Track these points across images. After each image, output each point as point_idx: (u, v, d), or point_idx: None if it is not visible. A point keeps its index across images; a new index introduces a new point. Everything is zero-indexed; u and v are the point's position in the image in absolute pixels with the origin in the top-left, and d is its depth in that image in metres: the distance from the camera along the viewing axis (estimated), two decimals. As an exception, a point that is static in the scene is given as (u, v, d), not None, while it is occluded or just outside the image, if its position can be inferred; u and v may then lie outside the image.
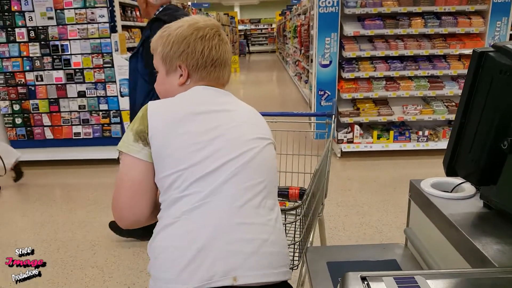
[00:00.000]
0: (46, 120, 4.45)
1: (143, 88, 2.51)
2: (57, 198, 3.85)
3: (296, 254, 1.36)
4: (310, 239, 1.57)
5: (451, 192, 1.30)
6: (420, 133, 4.48)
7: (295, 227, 1.38)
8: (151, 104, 1.05)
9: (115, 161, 4.43)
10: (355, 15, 4.39)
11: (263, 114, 2.05)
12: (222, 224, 0.95)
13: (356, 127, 4.53)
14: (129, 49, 4.71)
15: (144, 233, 2.82)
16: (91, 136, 4.48)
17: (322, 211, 1.87)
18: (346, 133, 4.56)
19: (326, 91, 4.55)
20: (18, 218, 3.35)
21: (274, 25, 23.62)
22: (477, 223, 1.12)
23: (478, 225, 1.11)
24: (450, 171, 1.18)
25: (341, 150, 4.52)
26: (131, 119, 2.61)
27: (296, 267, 1.35)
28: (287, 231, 1.45)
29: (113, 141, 4.48)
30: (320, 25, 4.34)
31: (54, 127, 4.47)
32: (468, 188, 1.29)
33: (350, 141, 4.55)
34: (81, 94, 4.38)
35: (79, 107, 4.42)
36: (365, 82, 4.47)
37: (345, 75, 4.39)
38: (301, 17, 8.30)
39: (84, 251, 2.80)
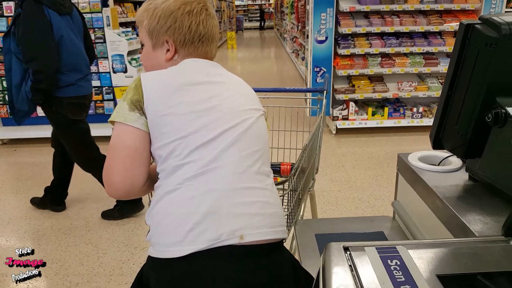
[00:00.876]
0: (38, 97, 4.40)
1: (18, 67, 2.51)
2: (50, 175, 3.82)
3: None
4: (301, 213, 1.59)
5: (438, 165, 1.31)
6: (415, 109, 4.47)
7: (282, 201, 1.39)
8: (144, 75, 1.04)
9: (109, 138, 4.40)
10: (351, -10, 4.32)
11: (256, 90, 2.06)
12: (225, 188, 0.97)
13: (351, 104, 4.52)
14: (121, 24, 4.64)
15: (132, 207, 2.86)
16: (84, 114, 4.45)
17: (313, 186, 1.88)
18: (341, 110, 4.55)
19: (322, 68, 4.51)
20: (11, 197, 3.35)
21: (271, 1, 23.20)
22: (462, 195, 1.13)
23: (462, 197, 1.12)
24: (437, 144, 1.18)
25: (336, 127, 4.52)
26: (10, 101, 2.60)
27: (284, 240, 1.37)
28: None
29: (106, 118, 4.42)
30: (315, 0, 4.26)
31: (46, 104, 4.43)
32: (455, 161, 1.29)
33: (345, 118, 4.54)
34: (73, 71, 4.32)
35: (72, 84, 4.37)
36: (361, 58, 4.43)
37: (341, 51, 4.35)
38: (298, -8, 8.14)
39: (78, 228, 2.82)
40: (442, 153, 1.34)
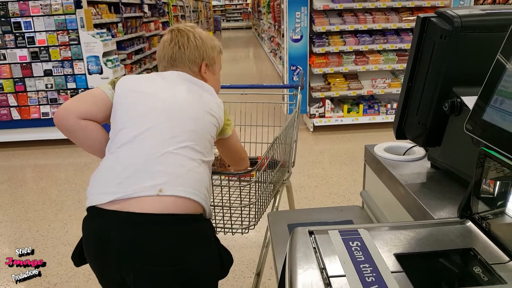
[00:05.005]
0: (12, 101, 4.33)
1: None
2: (27, 179, 3.79)
3: (252, 214, 1.45)
4: (277, 204, 1.64)
5: (403, 155, 1.37)
6: (389, 106, 4.58)
7: (249, 189, 1.44)
8: (126, 76, 1.32)
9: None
10: (325, -11, 4.39)
11: (235, 87, 2.11)
12: (155, 151, 1.12)
13: (327, 101, 4.60)
14: (96, 26, 4.60)
15: None
16: (60, 116, 4.39)
17: (289, 178, 1.93)
18: (318, 107, 4.62)
19: (298, 66, 4.57)
20: (-13, 200, 3.30)
21: (249, 1, 23.24)
22: (423, 182, 1.19)
23: (424, 184, 1.18)
24: (399, 134, 1.24)
25: (313, 125, 4.59)
26: None
27: (252, 227, 1.43)
28: (245, 194, 1.56)
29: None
30: (290, -2, 4.32)
31: (21, 107, 4.36)
32: (419, 151, 1.35)
33: (322, 116, 4.62)
34: (48, 73, 4.27)
35: (46, 86, 4.31)
36: (335, 56, 4.51)
37: (316, 49, 4.42)
38: (274, -8, 8.20)
39: (56, 229, 2.80)
40: (407, 144, 1.41)
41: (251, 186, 1.39)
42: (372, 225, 1.03)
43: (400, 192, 1.19)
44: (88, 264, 2.40)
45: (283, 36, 5.18)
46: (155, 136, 1.14)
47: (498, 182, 0.86)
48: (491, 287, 0.71)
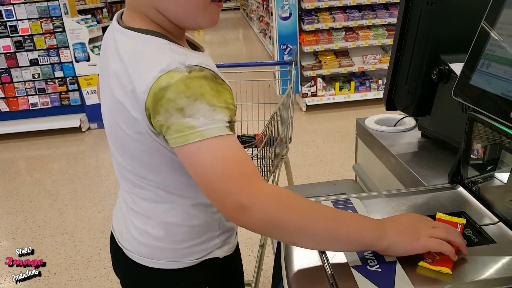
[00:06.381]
0: (-1, 92, 4.28)
1: None
2: (20, 170, 3.77)
3: None
4: (276, 179, 1.66)
5: (394, 126, 1.37)
6: (380, 82, 4.57)
7: None
8: None
9: (77, 130, 4.34)
10: (311, -35, 4.32)
11: (228, 66, 2.09)
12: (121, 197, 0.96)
13: (319, 80, 4.58)
14: (80, 12, 4.52)
15: None
16: (49, 106, 4.35)
17: (287, 154, 1.94)
18: (310, 86, 4.61)
19: (288, 45, 4.53)
20: (-19, 193, 3.28)
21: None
22: (414, 151, 1.20)
23: (414, 153, 1.19)
24: (389, 105, 1.24)
25: (306, 104, 4.58)
26: None
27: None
28: None
29: (73, 109, 4.37)
30: (277, -24, 4.25)
31: (8, 99, 4.31)
32: (409, 121, 1.36)
33: (314, 95, 4.60)
34: (34, 62, 4.21)
35: (33, 76, 4.25)
36: (325, 33, 4.47)
37: (306, 27, 4.38)
38: (261, -30, 8.08)
39: (52, 219, 2.80)
40: (398, 115, 1.41)
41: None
42: (364, 194, 1.04)
43: (391, 163, 1.19)
44: (87, 253, 2.42)
45: (271, 14, 5.12)
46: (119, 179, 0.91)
47: (486, 146, 0.87)
48: (482, 247, 0.73)
